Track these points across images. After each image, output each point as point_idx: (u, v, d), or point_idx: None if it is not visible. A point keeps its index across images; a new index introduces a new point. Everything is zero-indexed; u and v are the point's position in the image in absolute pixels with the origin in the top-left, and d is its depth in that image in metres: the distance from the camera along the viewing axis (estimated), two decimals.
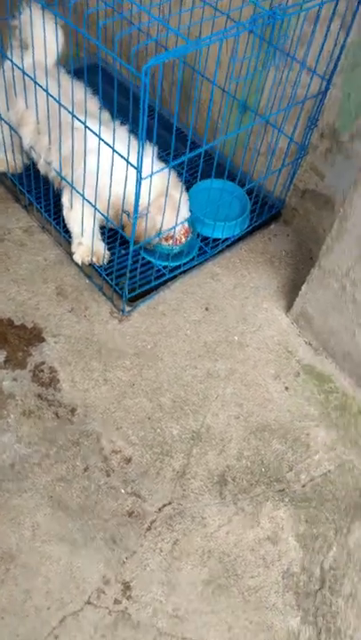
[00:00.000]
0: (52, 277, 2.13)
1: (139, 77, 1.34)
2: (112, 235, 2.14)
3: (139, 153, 1.48)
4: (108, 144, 1.61)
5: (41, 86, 1.72)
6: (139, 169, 1.51)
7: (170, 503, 1.67)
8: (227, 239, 2.25)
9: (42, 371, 1.88)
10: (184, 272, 2.17)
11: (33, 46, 1.88)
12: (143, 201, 1.69)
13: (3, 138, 2.16)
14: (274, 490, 1.74)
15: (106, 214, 1.87)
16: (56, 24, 1.73)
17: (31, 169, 2.20)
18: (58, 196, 2.10)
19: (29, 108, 1.89)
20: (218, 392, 1.92)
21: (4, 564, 1.50)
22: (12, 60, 1.80)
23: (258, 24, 1.52)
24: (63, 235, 2.14)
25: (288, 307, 2.15)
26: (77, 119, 1.66)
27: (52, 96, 1.72)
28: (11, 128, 2.05)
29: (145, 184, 1.61)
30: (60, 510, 1.61)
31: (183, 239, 2.12)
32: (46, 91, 1.70)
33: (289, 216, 2.42)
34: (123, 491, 1.67)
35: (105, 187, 1.75)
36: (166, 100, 2.66)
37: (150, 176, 1.60)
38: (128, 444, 1.76)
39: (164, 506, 1.66)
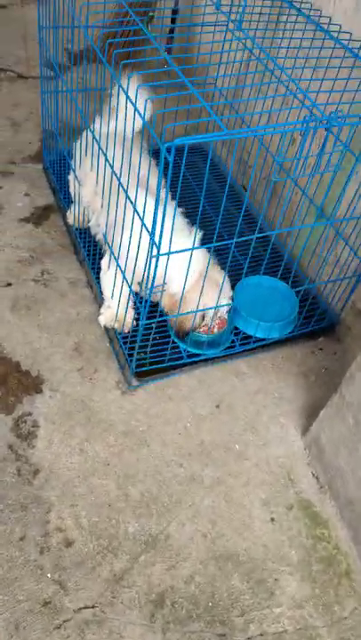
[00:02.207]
0: (75, 332, 2.11)
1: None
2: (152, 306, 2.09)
3: (153, 226, 1.44)
4: (138, 214, 1.59)
5: (102, 150, 1.76)
6: (153, 242, 1.46)
7: (93, 607, 1.49)
8: (263, 339, 2.10)
9: (25, 422, 1.83)
10: (207, 360, 2.04)
11: (117, 115, 1.95)
12: (160, 279, 1.63)
13: (74, 194, 2.24)
14: (214, 632, 1.49)
15: (133, 284, 1.84)
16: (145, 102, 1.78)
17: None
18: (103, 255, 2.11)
19: (92, 170, 1.95)
20: (194, 500, 1.73)
21: None
22: (85, 122, 1.87)
23: (310, 127, 1.44)
24: (100, 294, 2.13)
25: (307, 429, 1.93)
26: (120, 185, 1.66)
27: (107, 160, 1.75)
28: (79, 185, 2.12)
29: (168, 262, 1.56)
30: None
31: (216, 330, 2.02)
32: (105, 155, 1.74)
33: (341, 333, 2.22)
34: (49, 575, 1.53)
35: (132, 259, 1.72)
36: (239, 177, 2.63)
37: (168, 254, 1.54)
38: (76, 526, 1.63)
39: (86, 607, 1.49)
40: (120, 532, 1.63)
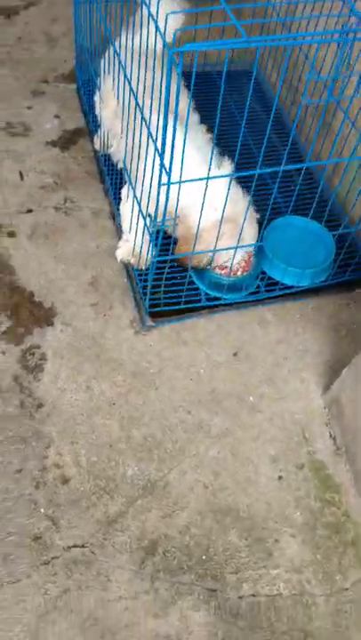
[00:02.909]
0: (93, 265, 2.01)
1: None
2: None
3: (163, 143, 1.28)
4: (153, 139, 1.43)
5: (122, 65, 1.59)
6: (162, 167, 1.31)
7: (83, 546, 1.46)
8: (291, 287, 1.94)
9: (32, 354, 1.77)
10: (228, 304, 1.91)
11: (147, 27, 1.75)
12: (174, 208, 1.48)
13: (100, 116, 2.07)
14: (204, 586, 1.44)
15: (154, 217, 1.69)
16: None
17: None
18: None
19: (114, 89, 1.77)
20: (199, 449, 1.65)
21: None
22: (108, 35, 1.68)
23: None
24: (120, 226, 2.01)
25: (328, 387, 1.80)
26: (137, 105, 1.50)
27: (126, 77, 1.57)
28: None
29: (183, 191, 1.40)
30: None
31: (239, 273, 1.87)
32: (124, 70, 1.56)
33: None
34: (42, 510, 1.50)
35: (154, 188, 1.57)
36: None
37: (179, 183, 1.38)
38: (74, 464, 1.58)
39: (76, 546, 1.46)
40: (118, 475, 1.58)
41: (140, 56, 1.62)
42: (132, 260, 1.87)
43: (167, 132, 1.25)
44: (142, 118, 1.46)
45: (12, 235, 2.06)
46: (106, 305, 1.92)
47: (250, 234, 1.76)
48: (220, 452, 1.65)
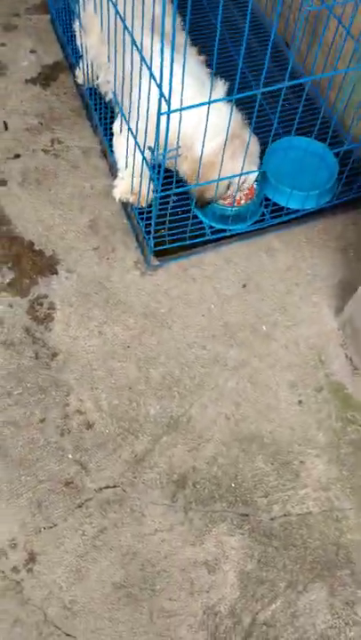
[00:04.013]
0: (90, 208, 1.95)
1: None
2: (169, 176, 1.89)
3: (161, 72, 1.20)
4: (147, 64, 1.34)
5: None
6: (161, 96, 1.23)
7: (114, 486, 1.49)
8: (296, 211, 1.89)
9: (41, 304, 1.75)
10: (233, 236, 1.87)
11: None
12: (177, 136, 1.41)
13: (82, 46, 1.95)
14: (236, 512, 1.48)
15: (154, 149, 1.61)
16: None
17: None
18: None
19: (97, 13, 1.65)
20: (218, 382, 1.66)
21: None
22: None
23: None
24: (114, 164, 1.93)
25: (341, 308, 1.78)
26: (125, 28, 1.39)
27: (111, 1, 1.46)
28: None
29: (185, 117, 1.33)
30: None
31: (243, 201, 1.81)
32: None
33: None
34: (70, 456, 1.52)
35: (152, 118, 1.49)
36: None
37: (180, 110, 1.31)
38: (96, 409, 1.59)
39: (107, 487, 1.49)
40: (141, 415, 1.59)
41: None
42: (132, 198, 1.80)
43: (165, 56, 1.16)
44: (133, 42, 1.36)
45: (2, 183, 1.98)
46: (108, 248, 1.87)
47: (256, 150, 1.69)
48: (238, 382, 1.66)
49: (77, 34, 1.96)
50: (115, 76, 1.59)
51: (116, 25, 1.49)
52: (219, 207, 1.79)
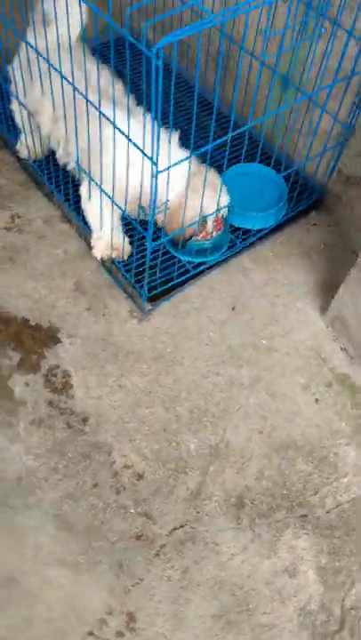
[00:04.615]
0: (71, 272, 2.01)
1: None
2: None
3: (152, 142, 1.32)
4: (121, 132, 1.45)
5: (54, 68, 1.56)
6: (153, 161, 1.35)
7: (182, 526, 1.57)
8: (260, 230, 2.06)
9: (55, 375, 1.79)
10: (211, 267, 2.00)
11: (56, 21, 1.70)
12: (162, 195, 1.53)
13: (23, 123, 2.02)
14: (295, 515, 1.60)
15: (124, 208, 1.72)
16: None
17: (52, 155, 2.05)
18: (77, 184, 1.97)
19: (45, 94, 1.74)
20: (240, 402, 1.78)
21: (7, 587, 1.45)
22: (24, 39, 1.63)
23: None
24: (84, 226, 2.01)
25: (324, 307, 1.96)
26: (91, 103, 1.49)
27: (65, 79, 1.56)
28: (29, 114, 1.91)
29: (164, 177, 1.45)
30: (65, 531, 1.53)
31: (214, 233, 1.95)
32: (60, 73, 1.54)
33: (331, 204, 2.19)
34: (133, 510, 1.58)
35: (123, 179, 1.60)
36: (202, 76, 2.44)
37: (168, 169, 1.43)
38: (141, 459, 1.66)
39: (176, 529, 1.56)
40: (183, 452, 1.68)
41: (67, 53, 1.61)
42: (114, 254, 1.89)
43: (154, 124, 1.28)
44: (101, 114, 1.47)
45: None
46: (100, 305, 1.95)
47: (219, 182, 1.82)
48: (258, 397, 1.79)
49: (16, 114, 2.02)
50: (77, 147, 1.68)
51: (68, 101, 1.58)
52: (196, 243, 1.91)
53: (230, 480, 1.64)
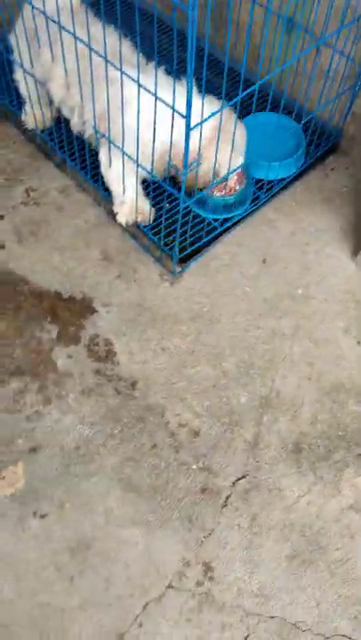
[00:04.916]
0: (95, 241, 1.99)
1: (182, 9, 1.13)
2: (157, 188, 1.96)
3: (188, 99, 1.28)
4: (150, 91, 1.41)
5: (68, 31, 1.51)
6: (187, 117, 1.32)
7: (244, 476, 1.59)
8: (282, 180, 2.03)
9: (97, 344, 1.79)
10: (235, 222, 1.98)
11: None
12: (193, 151, 1.49)
13: (29, 93, 1.97)
14: (354, 454, 1.62)
15: (150, 169, 1.69)
16: None
17: (62, 122, 2.00)
18: (94, 152, 1.93)
19: (56, 61, 1.69)
20: (285, 352, 1.78)
21: (81, 553, 1.46)
22: (31, 3, 1.58)
23: None
24: (103, 193, 1.98)
25: (355, 250, 1.95)
26: (113, 65, 1.45)
27: (82, 41, 1.51)
28: (37, 82, 1.86)
29: (195, 132, 1.42)
30: (132, 492, 1.55)
31: (237, 187, 1.93)
32: (75, 36, 1.49)
33: (347, 146, 2.17)
34: (194, 466, 1.60)
35: (148, 139, 1.57)
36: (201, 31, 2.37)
37: (201, 124, 1.40)
38: (195, 416, 1.67)
39: (239, 479, 1.58)
40: (235, 406, 1.69)
41: (72, 15, 1.55)
42: (140, 218, 1.87)
43: (191, 79, 1.25)
44: (123, 74, 1.43)
45: (0, 246, 1.98)
46: (129, 271, 1.93)
47: (242, 140, 1.78)
48: (301, 345, 1.79)
49: (21, 83, 1.97)
50: (93, 112, 1.64)
51: (83, 65, 1.53)
52: (220, 199, 1.89)
53: (285, 428, 1.66)
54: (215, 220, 1.95)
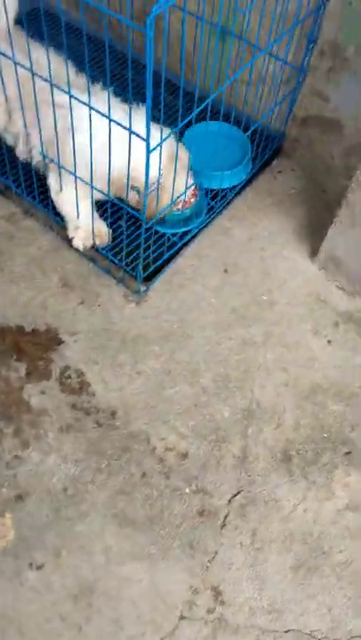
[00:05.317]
0: (51, 268, 1.92)
1: (138, 30, 1.09)
2: (110, 208, 1.91)
3: (147, 121, 1.25)
4: (104, 115, 1.36)
5: (8, 57, 1.43)
6: (147, 139, 1.28)
7: (239, 492, 1.57)
8: (234, 187, 2.03)
9: (69, 377, 1.72)
10: (194, 236, 1.97)
11: None
12: (153, 173, 1.46)
13: None
14: (341, 454, 1.64)
15: (106, 192, 1.63)
16: None
17: (3, 148, 1.91)
18: (40, 177, 1.85)
19: None
20: (259, 361, 1.78)
21: (85, 598, 1.40)
22: None
23: None
24: (54, 218, 1.91)
25: (311, 250, 1.98)
26: (61, 90, 1.39)
27: (24, 67, 1.43)
28: None
29: (154, 154, 1.38)
30: (128, 526, 1.50)
31: (192, 200, 1.91)
32: (14, 61, 1.41)
33: (290, 149, 2.20)
34: (187, 490, 1.57)
35: (102, 163, 1.52)
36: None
37: (160, 145, 1.37)
38: (180, 438, 1.64)
39: (234, 496, 1.57)
40: (219, 421, 1.67)
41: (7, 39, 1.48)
42: (98, 241, 1.82)
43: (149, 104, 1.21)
44: (72, 98, 1.37)
45: None
46: (92, 296, 1.87)
47: (186, 157, 1.77)
48: (273, 352, 1.80)
49: None
50: (40, 138, 1.57)
51: (35, 91, 1.47)
52: (177, 214, 1.87)
53: (271, 437, 1.66)
54: (174, 234, 1.92)
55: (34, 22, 1.59)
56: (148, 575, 1.44)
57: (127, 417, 1.66)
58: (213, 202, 2.00)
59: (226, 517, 1.54)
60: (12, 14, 1.63)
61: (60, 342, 1.78)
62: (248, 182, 2.11)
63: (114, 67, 2.26)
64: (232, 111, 1.87)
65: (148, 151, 1.32)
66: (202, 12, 1.67)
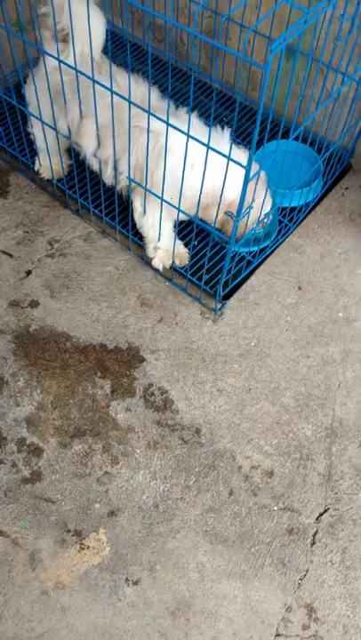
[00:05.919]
0: (129, 287, 1.96)
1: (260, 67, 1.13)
2: (184, 228, 1.95)
3: (250, 153, 1.29)
4: (201, 142, 1.40)
5: (106, 87, 1.47)
6: (248, 168, 1.32)
7: (326, 510, 1.59)
8: (304, 206, 2.06)
9: (152, 394, 1.76)
10: (268, 254, 1.99)
11: (73, 37, 1.61)
12: (248, 198, 1.50)
13: (47, 145, 1.93)
14: None
15: (194, 215, 1.67)
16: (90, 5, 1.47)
17: (85, 171, 1.97)
18: (120, 198, 1.91)
19: (86, 117, 1.66)
20: (339, 379, 1.80)
21: (183, 614, 1.43)
22: (59, 59, 1.54)
23: None
24: (132, 238, 1.96)
25: None
26: (158, 119, 1.44)
27: (121, 97, 1.48)
28: (58, 136, 1.82)
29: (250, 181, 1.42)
30: (219, 543, 1.53)
31: (267, 220, 1.93)
32: (112, 91, 1.46)
33: (358, 164, 2.21)
34: (275, 508, 1.59)
35: (192, 187, 1.56)
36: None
37: (258, 173, 1.40)
38: (265, 456, 1.66)
39: (321, 514, 1.58)
40: (302, 439, 1.69)
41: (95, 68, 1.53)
42: (177, 261, 1.86)
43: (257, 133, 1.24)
44: (168, 124, 1.42)
45: (34, 304, 1.93)
46: (170, 314, 1.91)
47: (264, 176, 1.80)
48: (354, 370, 1.81)
49: (37, 134, 1.93)
50: (128, 163, 1.62)
51: (130, 118, 1.51)
52: (251, 233, 1.89)
53: (356, 455, 1.67)
54: (248, 253, 1.95)
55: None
56: (243, 592, 1.47)
57: (211, 435, 1.69)
58: (285, 220, 2.02)
59: (315, 535, 1.55)
60: (99, 43, 1.69)
61: (143, 360, 1.82)
62: (320, 200, 2.13)
63: (185, 88, 2.31)
64: (308, 132, 1.89)
65: (248, 180, 1.35)
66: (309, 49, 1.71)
